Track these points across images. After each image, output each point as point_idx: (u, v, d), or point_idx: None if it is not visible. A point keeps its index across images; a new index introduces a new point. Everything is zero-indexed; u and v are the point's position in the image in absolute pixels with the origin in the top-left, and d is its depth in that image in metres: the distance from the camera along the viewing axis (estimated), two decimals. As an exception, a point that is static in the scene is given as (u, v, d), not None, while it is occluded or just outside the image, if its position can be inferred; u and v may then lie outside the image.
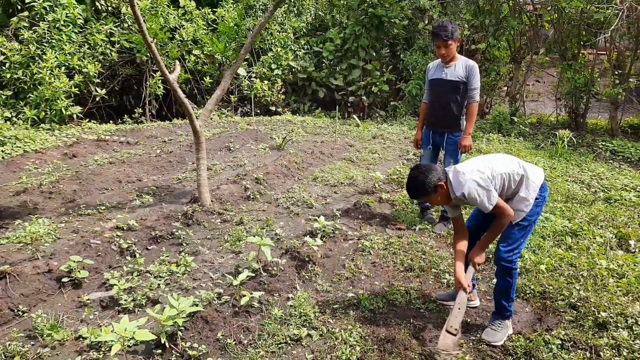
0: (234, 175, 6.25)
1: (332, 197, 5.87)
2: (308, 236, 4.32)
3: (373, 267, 4.06)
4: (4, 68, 8.09)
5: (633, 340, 2.95)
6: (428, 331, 3.11)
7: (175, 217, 4.69)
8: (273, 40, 12.25)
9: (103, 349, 2.77)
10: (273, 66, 12.23)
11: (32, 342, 2.84)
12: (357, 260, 4.12)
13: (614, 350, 2.88)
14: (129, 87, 11.17)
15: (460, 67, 4.53)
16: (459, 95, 4.57)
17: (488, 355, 2.87)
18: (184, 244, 4.28)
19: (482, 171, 2.87)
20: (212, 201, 5.19)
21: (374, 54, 12.84)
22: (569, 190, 5.92)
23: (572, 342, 2.95)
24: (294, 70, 12.87)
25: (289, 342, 2.96)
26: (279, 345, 2.92)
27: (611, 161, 7.73)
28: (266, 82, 11.81)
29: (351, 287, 3.71)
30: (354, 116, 11.31)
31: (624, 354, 2.84)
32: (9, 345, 2.75)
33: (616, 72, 9.27)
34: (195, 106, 11.05)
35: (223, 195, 5.40)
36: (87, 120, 8.97)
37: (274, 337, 3.00)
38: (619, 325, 3.10)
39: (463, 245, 3.04)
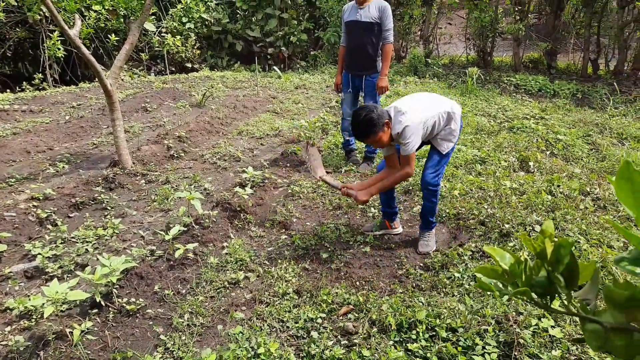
0: (154, 136, 6.03)
1: (259, 149, 5.90)
2: (238, 187, 4.36)
3: (304, 209, 4.22)
4: None
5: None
6: (356, 259, 3.35)
7: (95, 183, 4.50)
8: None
9: (35, 316, 2.70)
10: (184, 19, 11.60)
11: (-48, 322, 2.70)
12: (288, 205, 4.25)
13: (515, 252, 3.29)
14: (23, 51, 10.13)
15: (374, 8, 4.62)
16: (374, 36, 4.69)
17: (412, 268, 3.16)
18: (109, 208, 4.15)
19: (419, 114, 3.06)
20: (133, 163, 5.01)
21: (289, 2, 12.56)
22: (478, 123, 6.40)
23: (480, 253, 3.33)
24: (207, 23, 12.29)
25: (227, 285, 3.06)
26: (218, 290, 3.02)
27: (514, 94, 8.39)
28: (178, 37, 11.22)
29: (284, 230, 3.85)
30: (275, 68, 11.16)
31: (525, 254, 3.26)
32: None
33: (517, 9, 9.87)
34: (103, 67, 10.30)
35: (145, 156, 5.23)
36: (-21, 90, 8.09)
37: (211, 283, 3.09)
38: (520, 232, 3.53)
39: (383, 173, 3.37)
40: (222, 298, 2.95)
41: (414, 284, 3.02)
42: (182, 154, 5.54)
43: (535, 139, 5.74)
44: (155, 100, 7.82)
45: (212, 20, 12.19)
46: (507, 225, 3.60)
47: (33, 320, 2.68)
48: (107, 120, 6.73)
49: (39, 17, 9.08)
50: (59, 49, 9.01)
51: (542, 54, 10.66)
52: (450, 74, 10.34)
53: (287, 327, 2.63)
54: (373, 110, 3.03)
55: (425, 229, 3.49)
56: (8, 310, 2.80)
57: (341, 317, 2.70)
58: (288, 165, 5.25)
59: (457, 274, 3.05)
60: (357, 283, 3.07)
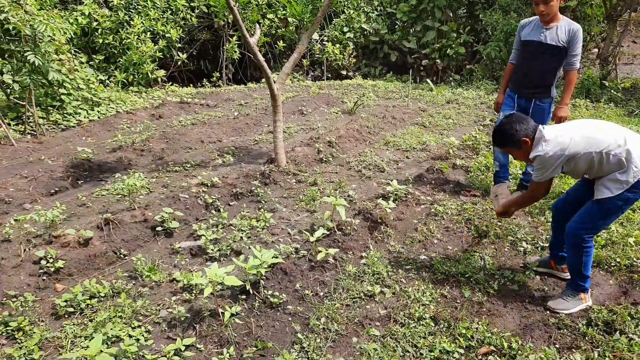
0: (307, 138, 6.39)
1: (404, 161, 5.84)
2: (381, 199, 4.37)
3: (446, 231, 4.05)
4: (96, 34, 8.69)
5: None
6: (502, 296, 3.09)
7: (253, 176, 4.93)
8: (346, 2, 12.03)
9: (195, 292, 3.06)
10: (345, 29, 12.07)
11: (133, 282, 3.20)
12: (430, 224, 4.12)
13: None
14: (205, 51, 11.58)
15: (563, 30, 4.10)
16: (557, 61, 4.20)
17: (569, 319, 2.80)
18: (263, 202, 4.51)
19: (564, 148, 2.66)
20: (287, 162, 5.37)
21: (451, 14, 12.22)
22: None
23: (661, 318, 2.80)
24: (366, 33, 12.61)
25: (363, 297, 3.09)
26: (353, 299, 3.06)
27: None
28: (338, 45, 11.71)
29: (423, 250, 3.74)
30: (428, 80, 10.95)
31: None
32: (115, 282, 3.11)
33: None
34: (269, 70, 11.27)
35: (297, 157, 5.56)
36: (170, 83, 9.49)
37: (348, 291, 3.14)
38: None
39: (526, 198, 3.14)
40: (357, 309, 2.98)
41: (572, 340, 2.66)
42: (331, 159, 5.76)
43: None
44: (311, 104, 8.28)
45: (371, 31, 12.48)
46: (700, 292, 2.98)
47: (193, 294, 3.04)
48: (268, 119, 7.33)
49: (223, 23, 10.31)
50: (235, 51, 10.12)
51: None
52: (631, 99, 8.97)
53: (421, 354, 2.54)
54: (515, 122, 2.82)
55: (570, 287, 2.99)
56: (174, 281, 3.21)
57: (480, 357, 2.52)
58: (433, 182, 5.09)
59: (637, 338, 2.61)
60: (501, 323, 2.83)
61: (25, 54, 6.02)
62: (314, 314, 2.89)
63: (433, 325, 2.79)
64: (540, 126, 2.82)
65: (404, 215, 4.33)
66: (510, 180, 4.99)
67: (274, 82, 5.05)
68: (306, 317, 2.88)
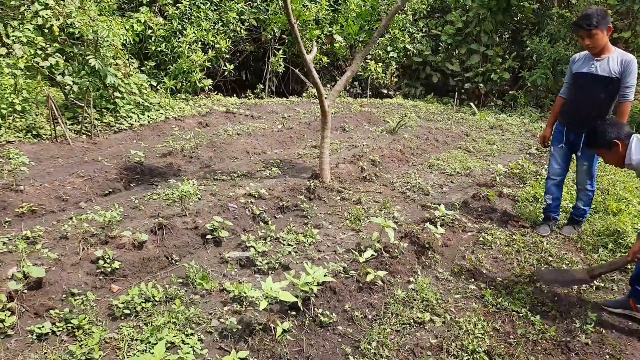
0: (350, 156, 6.40)
1: (449, 186, 5.77)
2: (428, 223, 4.32)
3: (495, 262, 3.96)
4: (150, 41, 9.02)
5: None
6: (568, 336, 2.98)
7: (299, 191, 4.96)
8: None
9: (245, 303, 3.08)
10: (389, 48, 12.13)
11: (185, 289, 3.24)
12: (478, 253, 4.05)
13: None
14: (246, 62, 11.84)
15: (615, 61, 4.02)
16: (609, 93, 4.10)
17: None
18: (308, 217, 4.53)
19: None
20: (331, 179, 5.39)
21: (497, 39, 12.13)
22: None
23: None
24: (409, 53, 12.64)
25: (413, 324, 3.04)
26: (403, 326, 3.01)
27: None
28: (380, 64, 11.77)
29: (472, 280, 3.66)
30: (472, 104, 10.84)
31: None
32: (169, 288, 3.17)
33: None
34: (311, 84, 11.41)
35: (341, 174, 5.58)
36: (215, 92, 9.72)
37: (397, 317, 3.09)
38: None
39: None
40: (407, 335, 2.93)
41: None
42: (374, 178, 5.75)
43: None
44: (353, 121, 8.31)
45: (415, 51, 12.50)
46: None
47: (243, 306, 3.06)
48: (311, 134, 7.40)
49: (270, 37, 10.53)
50: (280, 65, 10.29)
51: None
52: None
53: (477, 389, 2.47)
54: (610, 125, 3.04)
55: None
56: (225, 291, 3.24)
57: (539, 399, 2.43)
58: (479, 209, 5.00)
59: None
60: (559, 364, 2.72)
61: (87, 58, 6.29)
62: (364, 337, 2.86)
63: (487, 359, 2.72)
64: (635, 135, 2.97)
65: (450, 241, 4.27)
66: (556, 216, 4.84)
67: (325, 99, 5.10)
68: (356, 339, 2.85)
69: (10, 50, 6.21)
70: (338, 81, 5.25)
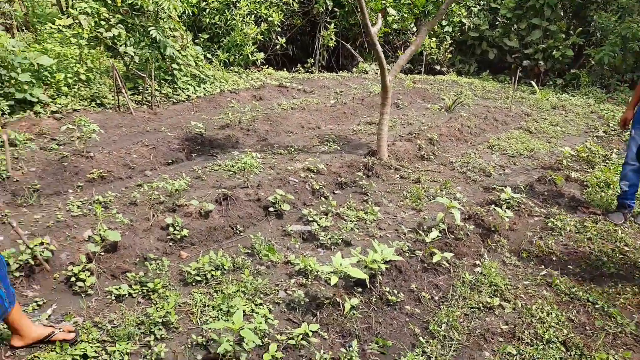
0: (406, 133, 6.24)
1: (511, 167, 5.54)
2: (493, 205, 4.16)
3: (565, 249, 3.77)
4: (204, 13, 9.03)
5: None
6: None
7: (357, 167, 4.89)
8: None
9: (310, 277, 3.08)
10: (444, 22, 11.65)
11: (251, 259, 3.28)
12: (547, 239, 3.87)
13: None
14: (294, 37, 11.68)
15: None
16: None
17: None
18: (367, 194, 4.46)
19: None
20: (388, 156, 5.27)
21: (561, 13, 11.39)
22: None
23: None
24: (464, 27, 12.11)
25: (482, 308, 2.95)
26: (472, 309, 2.93)
27: None
28: (434, 39, 11.34)
29: (542, 266, 3.51)
30: (532, 82, 10.31)
31: None
32: (236, 257, 3.21)
33: None
34: (362, 59, 11.16)
35: (398, 152, 5.45)
36: (266, 66, 9.69)
37: (465, 300, 3.01)
38: None
39: None
40: (477, 319, 2.85)
41: None
42: (432, 157, 5.59)
43: None
44: (407, 98, 8.09)
45: (471, 26, 11.95)
46: None
47: (309, 279, 3.06)
48: (365, 110, 7.26)
49: (322, 10, 10.32)
50: (331, 39, 10.10)
51: None
52: None
53: (556, 380, 2.38)
54: None
55: None
56: (289, 264, 3.26)
57: (624, 394, 2.31)
58: (545, 193, 4.77)
59: None
60: (642, 360, 2.58)
61: (148, 29, 6.36)
62: (432, 318, 2.80)
63: (564, 350, 2.60)
64: None
65: (516, 225, 4.10)
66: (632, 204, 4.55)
67: (387, 74, 4.95)
68: (424, 320, 2.79)
69: (76, 21, 6.37)
70: (401, 55, 5.07)
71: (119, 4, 6.46)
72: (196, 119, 5.89)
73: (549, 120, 7.55)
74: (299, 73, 9.97)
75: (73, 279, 2.76)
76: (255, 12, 9.12)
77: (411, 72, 11.56)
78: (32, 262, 2.79)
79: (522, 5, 11.55)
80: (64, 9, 8.82)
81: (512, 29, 12.03)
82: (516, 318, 2.88)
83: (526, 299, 3.09)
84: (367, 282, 2.94)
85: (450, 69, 12.15)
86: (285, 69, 10.34)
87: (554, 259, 3.62)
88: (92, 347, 2.30)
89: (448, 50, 11.72)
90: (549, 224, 4.10)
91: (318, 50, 10.73)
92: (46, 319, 2.50)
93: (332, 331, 2.60)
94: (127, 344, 2.33)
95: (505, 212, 3.91)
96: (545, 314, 2.91)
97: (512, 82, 10.70)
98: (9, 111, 5.24)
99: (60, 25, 6.72)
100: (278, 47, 9.91)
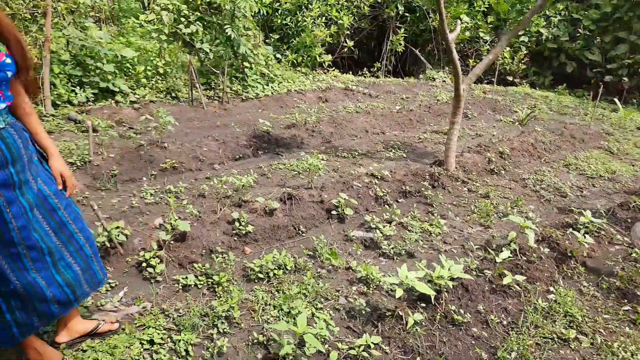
0: (474, 145, 6.00)
1: (590, 189, 5.16)
2: (571, 229, 3.88)
3: (652, 284, 3.44)
4: (276, 14, 9.19)
5: None
6: None
7: (422, 176, 4.75)
8: (527, 2, 11.07)
9: (372, 286, 3.00)
10: (520, 32, 11.13)
11: (312, 261, 3.25)
12: (630, 271, 3.54)
13: None
14: (361, 40, 11.60)
15: None
16: None
17: None
18: (433, 205, 4.31)
19: None
20: (456, 167, 5.08)
21: (654, 27, 10.54)
22: None
23: None
24: (541, 38, 11.51)
25: (555, 339, 2.74)
26: (544, 339, 2.73)
27: None
28: (508, 49, 10.87)
29: (625, 300, 3.22)
30: (615, 99, 9.62)
31: None
32: (298, 258, 3.19)
33: None
34: (430, 66, 10.91)
35: (467, 164, 5.24)
36: (332, 68, 9.70)
37: (536, 328, 2.81)
38: None
39: None
40: (549, 351, 2.65)
41: None
42: (502, 171, 5.33)
43: None
44: (476, 108, 7.80)
45: (549, 36, 11.34)
46: None
47: (370, 288, 2.98)
48: (431, 118, 7.08)
49: (393, 14, 10.20)
50: (400, 44, 9.95)
51: None
52: None
53: None
54: None
55: None
56: (350, 270, 3.19)
57: None
58: (629, 220, 4.39)
59: None
60: None
61: (224, 27, 6.55)
62: (500, 344, 2.64)
63: (651, 397, 2.36)
64: None
65: (595, 253, 3.80)
66: None
67: (462, 82, 4.77)
68: (491, 345, 2.63)
69: (158, 17, 6.68)
70: (477, 64, 4.87)
71: (199, 2, 6.70)
72: (264, 117, 5.98)
73: (632, 141, 7.00)
74: (365, 77, 9.91)
75: (144, 264, 2.85)
76: (326, 14, 9.16)
77: (480, 82, 11.14)
78: (108, 245, 2.92)
79: (608, 17, 10.82)
80: (146, 5, 9.30)
81: (595, 41, 11.30)
82: (594, 354, 2.66)
83: (606, 334, 2.84)
84: (432, 298, 2.82)
85: (523, 81, 11.59)
86: (350, 72, 10.31)
87: (639, 293, 3.31)
88: (158, 333, 2.35)
89: (522, 61, 11.19)
90: (633, 255, 3.77)
91: (385, 54, 10.60)
92: (118, 301, 2.60)
93: (393, 345, 2.51)
94: (192, 334, 2.37)
95: (584, 237, 3.63)
96: (630, 354, 2.65)
97: (591, 98, 10.03)
98: (93, 99, 5.57)
99: (143, 20, 7.08)
100: (345, 50, 9.89)
